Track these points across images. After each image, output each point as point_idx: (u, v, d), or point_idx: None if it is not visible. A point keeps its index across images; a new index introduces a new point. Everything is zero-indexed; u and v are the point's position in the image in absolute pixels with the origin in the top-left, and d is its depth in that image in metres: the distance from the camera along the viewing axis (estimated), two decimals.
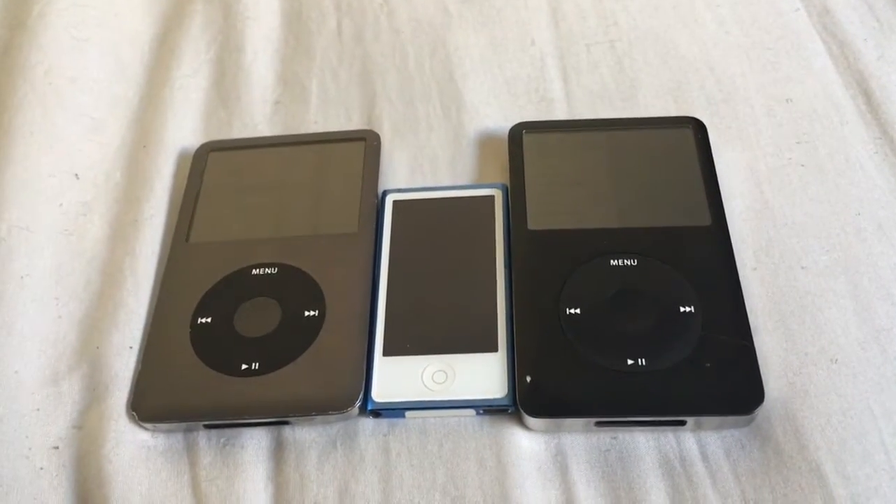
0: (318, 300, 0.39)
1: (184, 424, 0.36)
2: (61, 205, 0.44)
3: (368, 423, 0.37)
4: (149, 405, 0.36)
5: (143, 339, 0.39)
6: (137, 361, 0.38)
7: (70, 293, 0.41)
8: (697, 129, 0.44)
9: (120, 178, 0.46)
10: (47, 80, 0.48)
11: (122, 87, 0.50)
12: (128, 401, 0.37)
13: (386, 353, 0.37)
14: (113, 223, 0.44)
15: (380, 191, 0.43)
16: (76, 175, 0.45)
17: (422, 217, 0.42)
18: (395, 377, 0.37)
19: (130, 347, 0.39)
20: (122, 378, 0.38)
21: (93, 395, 0.37)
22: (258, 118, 0.48)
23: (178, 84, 0.49)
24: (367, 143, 0.45)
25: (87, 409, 0.37)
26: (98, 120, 0.48)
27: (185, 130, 0.48)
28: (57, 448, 0.36)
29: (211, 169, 0.45)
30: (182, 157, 0.46)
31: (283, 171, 0.45)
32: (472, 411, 0.36)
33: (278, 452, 0.36)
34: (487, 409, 0.36)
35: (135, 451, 0.36)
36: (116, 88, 0.49)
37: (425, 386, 0.36)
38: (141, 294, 0.41)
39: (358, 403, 0.36)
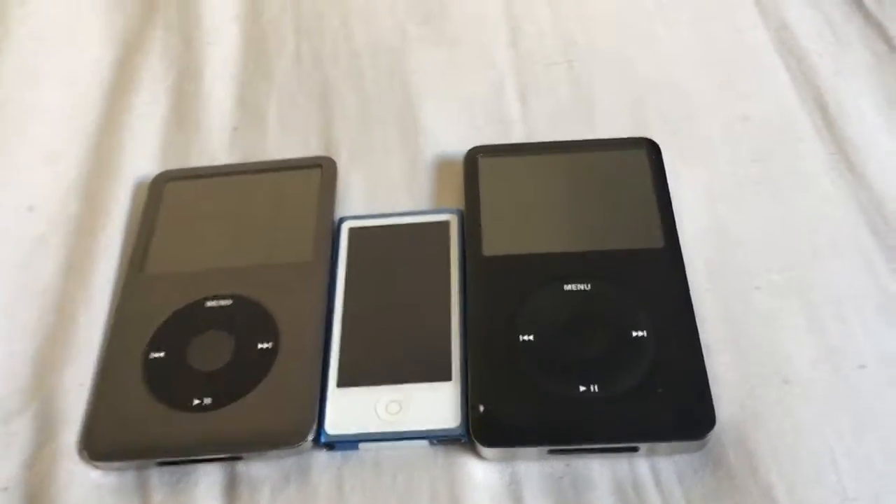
0: (271, 332, 0.38)
1: (135, 462, 0.36)
2: (17, 239, 0.44)
3: (322, 456, 0.36)
4: (99, 443, 0.36)
5: (94, 375, 0.39)
6: (89, 398, 0.38)
7: (22, 329, 0.41)
8: (651, 150, 0.44)
9: (76, 209, 0.45)
10: (3, 111, 0.48)
11: (79, 117, 0.49)
12: (78, 439, 0.37)
13: (340, 384, 0.37)
14: (68, 255, 0.43)
15: (336, 217, 0.43)
16: (30, 207, 0.45)
17: (377, 244, 0.42)
18: (348, 408, 0.36)
19: (81, 384, 0.38)
20: (73, 416, 0.37)
21: (44, 434, 0.37)
22: (216, 145, 0.48)
23: (137, 112, 0.49)
24: (323, 170, 0.45)
25: (38, 449, 0.37)
26: (55, 150, 0.48)
27: (142, 158, 0.47)
28: (6, 489, 0.36)
29: (167, 198, 0.45)
30: (139, 185, 0.46)
31: (240, 199, 0.44)
32: (425, 442, 0.36)
33: (231, 489, 0.36)
34: (441, 439, 0.36)
35: (86, 491, 0.35)
36: (74, 118, 0.49)
37: (379, 417, 0.36)
38: (94, 329, 0.40)
39: (310, 437, 0.35)
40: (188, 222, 0.44)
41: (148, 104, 0.50)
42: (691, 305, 0.38)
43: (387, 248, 0.42)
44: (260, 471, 0.36)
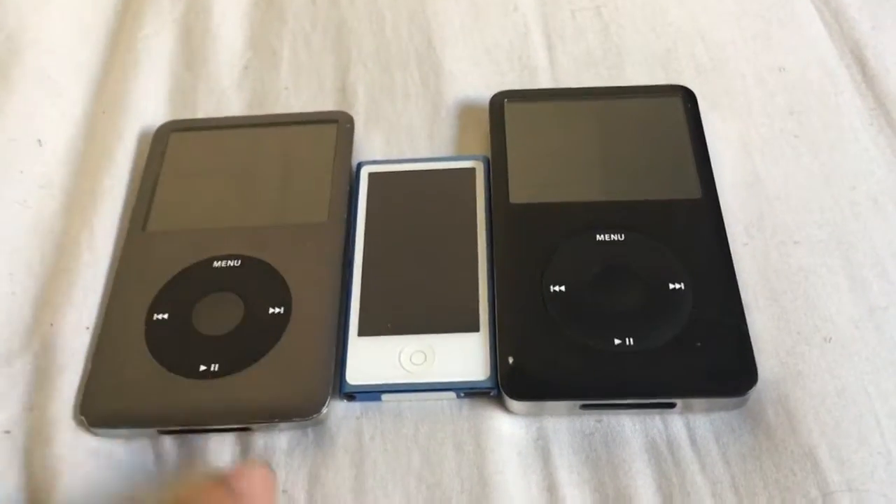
0: (283, 296, 0.36)
1: (137, 430, 0.34)
2: (21, 172, 0.41)
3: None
4: (99, 410, 0.33)
5: (95, 328, 0.36)
6: (87, 358, 0.35)
7: (24, 268, 0.38)
8: (687, 98, 0.42)
9: (82, 147, 0.43)
10: (9, 42, 0.45)
11: (85, 52, 0.47)
12: (76, 404, 0.34)
13: (361, 332, 0.35)
14: (72, 194, 0.41)
15: (354, 164, 0.41)
16: (39, 141, 0.42)
17: (399, 190, 0.40)
18: (370, 358, 0.35)
19: (87, 327, 0.36)
20: (76, 358, 0.35)
21: (45, 376, 0.35)
22: (226, 83, 0.46)
23: (141, 46, 0.47)
24: (339, 126, 0.42)
25: (39, 391, 0.35)
26: (61, 85, 0.45)
27: (148, 96, 0.45)
28: (9, 432, 0.34)
29: (172, 151, 0.42)
30: (145, 126, 0.44)
31: (249, 155, 0.42)
32: (452, 394, 0.34)
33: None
34: (468, 391, 0.34)
35: (84, 450, 0.33)
36: (80, 53, 0.47)
37: (403, 367, 0.34)
38: (98, 271, 0.38)
39: (325, 410, 0.33)
40: (194, 177, 0.41)
41: (152, 37, 0.47)
42: (731, 258, 0.36)
43: (409, 194, 0.40)
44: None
